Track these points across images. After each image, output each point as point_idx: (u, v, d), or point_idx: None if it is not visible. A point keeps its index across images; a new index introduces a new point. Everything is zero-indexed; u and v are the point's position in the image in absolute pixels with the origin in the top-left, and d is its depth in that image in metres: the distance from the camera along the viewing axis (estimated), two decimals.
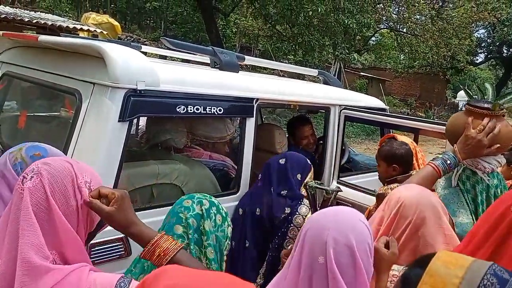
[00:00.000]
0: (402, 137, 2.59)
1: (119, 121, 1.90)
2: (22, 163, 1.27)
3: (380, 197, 2.20)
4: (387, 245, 1.36)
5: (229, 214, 2.44)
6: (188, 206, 1.34)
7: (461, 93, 19.37)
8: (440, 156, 1.83)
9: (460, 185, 1.83)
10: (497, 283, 0.69)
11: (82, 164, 1.12)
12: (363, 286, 1.03)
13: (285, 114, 13.20)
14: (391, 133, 2.93)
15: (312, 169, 2.51)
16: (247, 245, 2.35)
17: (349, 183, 3.15)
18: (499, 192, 1.81)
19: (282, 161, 2.44)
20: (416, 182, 1.75)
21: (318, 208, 2.28)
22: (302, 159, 2.49)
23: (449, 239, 1.39)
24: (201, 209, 1.34)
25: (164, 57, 3.71)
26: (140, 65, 2.00)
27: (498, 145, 1.70)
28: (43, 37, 2.29)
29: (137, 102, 1.95)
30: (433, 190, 1.91)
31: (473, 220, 1.77)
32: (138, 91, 1.93)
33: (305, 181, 2.40)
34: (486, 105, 1.73)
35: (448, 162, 1.78)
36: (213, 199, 1.41)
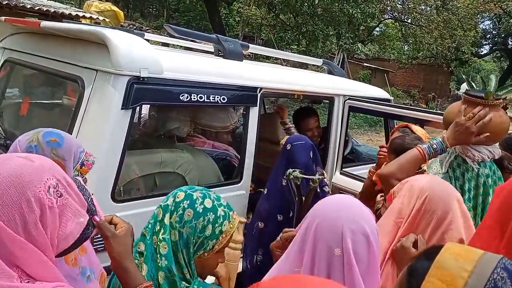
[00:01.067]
0: (415, 128, 2.54)
1: (122, 108, 1.88)
2: (38, 146, 1.28)
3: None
4: (415, 244, 1.32)
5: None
6: (166, 197, 1.28)
7: (465, 85, 19.25)
8: (428, 141, 1.86)
9: (449, 172, 1.84)
10: (507, 277, 0.67)
11: (46, 166, 0.92)
12: (376, 272, 1.04)
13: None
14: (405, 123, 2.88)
15: None
16: None
17: (352, 173, 3.14)
18: (490, 181, 1.80)
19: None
20: (400, 164, 1.82)
21: (303, 197, 2.27)
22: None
23: (470, 231, 1.38)
24: (171, 201, 1.25)
25: (166, 45, 3.68)
26: (143, 52, 1.98)
27: (488, 133, 1.71)
28: (45, 23, 2.26)
29: (140, 90, 1.93)
30: (422, 173, 1.94)
31: None
32: (141, 79, 1.91)
33: (287, 172, 2.40)
34: (480, 94, 1.75)
35: (435, 147, 1.81)
36: (196, 192, 1.26)
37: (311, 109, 3.56)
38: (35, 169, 0.88)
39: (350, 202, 1.09)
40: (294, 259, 1.08)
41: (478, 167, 1.79)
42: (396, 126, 2.74)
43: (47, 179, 0.88)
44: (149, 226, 1.25)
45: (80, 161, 1.40)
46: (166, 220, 1.21)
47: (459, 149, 1.81)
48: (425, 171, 1.98)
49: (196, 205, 1.21)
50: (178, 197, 1.24)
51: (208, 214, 1.21)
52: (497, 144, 1.86)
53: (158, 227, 1.22)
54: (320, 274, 1.00)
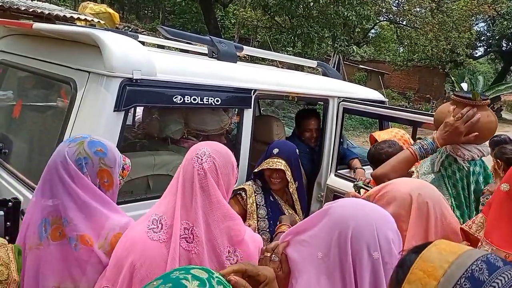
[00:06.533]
0: (388, 131, 2.56)
1: (114, 110, 1.87)
2: (87, 158, 1.35)
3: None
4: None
5: None
6: None
7: (465, 85, 19.39)
8: (419, 141, 1.91)
9: (442, 171, 1.88)
10: (486, 268, 0.67)
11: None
12: None
13: (284, 107, 13.14)
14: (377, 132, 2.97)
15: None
16: None
17: (346, 175, 3.14)
18: (482, 179, 1.85)
19: None
20: (392, 165, 1.88)
21: None
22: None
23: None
24: None
25: (162, 47, 3.66)
26: (136, 54, 1.97)
27: (476, 133, 1.75)
28: (38, 25, 2.24)
29: (133, 92, 1.92)
30: (410, 174, 1.98)
31: (452, 204, 1.82)
32: (134, 80, 1.90)
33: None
34: (468, 95, 1.78)
35: (425, 147, 1.87)
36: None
37: (314, 111, 3.55)
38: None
39: (368, 203, 1.08)
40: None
41: (469, 165, 1.82)
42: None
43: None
44: None
45: (121, 166, 1.47)
46: None
47: (450, 149, 1.85)
48: (413, 172, 2.00)
49: None
50: None
51: None
52: (487, 142, 1.89)
53: None
54: (365, 282, 0.96)
